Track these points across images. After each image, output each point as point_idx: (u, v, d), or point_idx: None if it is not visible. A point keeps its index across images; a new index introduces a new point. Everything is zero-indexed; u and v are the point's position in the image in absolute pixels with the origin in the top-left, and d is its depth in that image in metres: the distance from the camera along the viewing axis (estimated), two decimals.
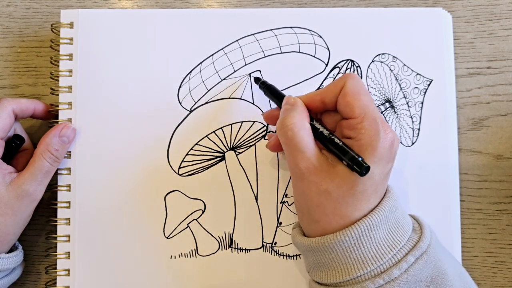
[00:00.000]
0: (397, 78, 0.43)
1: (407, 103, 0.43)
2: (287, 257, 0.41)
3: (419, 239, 0.32)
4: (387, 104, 0.43)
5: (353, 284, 0.31)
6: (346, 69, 0.43)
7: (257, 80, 0.41)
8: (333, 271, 0.32)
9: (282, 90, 0.42)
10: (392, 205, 0.32)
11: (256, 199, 0.42)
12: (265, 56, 0.42)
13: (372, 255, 0.31)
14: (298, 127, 0.33)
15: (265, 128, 0.42)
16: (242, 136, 0.42)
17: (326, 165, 0.32)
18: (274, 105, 0.42)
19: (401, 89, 0.43)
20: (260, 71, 0.42)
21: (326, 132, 0.33)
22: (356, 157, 0.30)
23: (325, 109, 0.35)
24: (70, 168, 0.41)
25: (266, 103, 0.42)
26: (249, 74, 0.42)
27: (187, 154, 0.42)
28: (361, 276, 0.31)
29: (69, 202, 0.41)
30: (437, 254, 0.32)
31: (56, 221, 0.41)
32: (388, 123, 0.33)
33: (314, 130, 0.34)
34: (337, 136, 0.33)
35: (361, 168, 0.30)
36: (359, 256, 0.31)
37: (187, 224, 0.41)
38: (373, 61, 0.43)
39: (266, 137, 0.42)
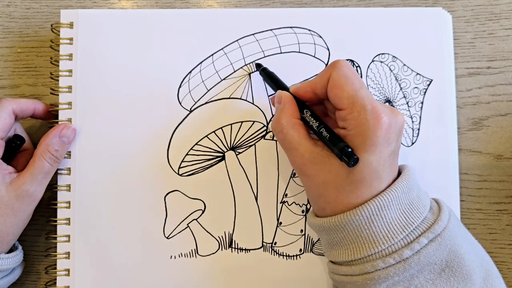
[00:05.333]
0: (397, 78, 0.43)
1: (407, 103, 0.43)
2: (287, 257, 0.41)
3: (435, 221, 0.31)
4: (387, 104, 0.43)
5: (364, 263, 0.31)
6: None
7: (258, 66, 0.41)
8: (345, 250, 0.32)
9: None
10: (405, 186, 0.32)
11: (256, 199, 0.42)
12: (265, 56, 0.42)
13: (383, 235, 0.31)
14: (287, 127, 0.34)
15: (265, 128, 0.42)
16: (242, 136, 0.42)
17: (321, 157, 0.32)
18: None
19: (401, 89, 0.43)
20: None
21: (315, 125, 0.33)
22: (344, 148, 0.30)
23: (320, 99, 0.36)
24: (70, 168, 0.41)
25: (266, 103, 0.42)
26: (249, 74, 0.42)
27: (187, 154, 0.42)
28: (373, 255, 0.31)
29: (69, 202, 0.41)
30: (455, 238, 0.32)
31: (56, 221, 0.41)
32: (383, 106, 0.32)
33: (306, 122, 0.34)
34: (328, 127, 0.33)
35: (349, 159, 0.30)
36: (370, 236, 0.31)
37: (187, 224, 0.41)
38: (373, 61, 0.43)
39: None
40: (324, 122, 0.33)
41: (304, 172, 0.34)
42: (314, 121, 0.34)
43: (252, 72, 0.42)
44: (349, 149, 0.30)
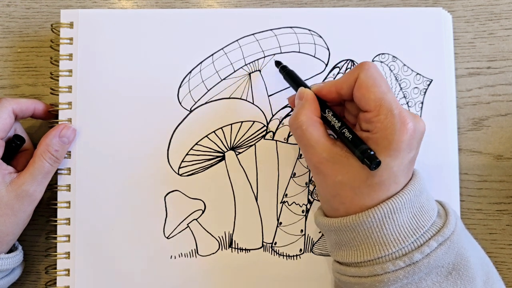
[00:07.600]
0: (397, 78, 0.43)
1: (407, 103, 0.43)
2: (287, 257, 0.41)
3: (444, 225, 0.31)
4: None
5: (374, 265, 0.31)
6: (346, 69, 0.43)
7: (277, 63, 0.41)
8: (355, 251, 0.32)
9: (282, 90, 0.42)
10: (417, 189, 0.32)
11: (256, 199, 0.42)
12: (265, 56, 0.42)
13: (394, 238, 0.31)
14: (307, 124, 0.33)
15: (265, 128, 0.42)
16: (242, 136, 0.42)
17: (339, 157, 0.32)
18: (274, 107, 0.42)
19: (401, 89, 0.43)
20: (260, 71, 0.42)
21: (337, 125, 0.33)
22: (367, 151, 0.30)
23: (342, 99, 0.35)
24: (70, 168, 0.41)
25: (266, 103, 0.42)
26: (249, 74, 0.42)
27: (187, 154, 0.42)
28: (383, 257, 0.31)
29: (69, 202, 0.41)
30: (461, 241, 0.32)
31: (56, 221, 0.41)
32: (408, 112, 0.32)
33: (327, 122, 0.34)
34: (350, 128, 0.32)
35: (372, 162, 0.29)
36: (381, 238, 0.31)
37: (187, 224, 0.41)
38: (373, 61, 0.43)
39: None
40: (345, 123, 0.33)
41: (320, 171, 0.33)
42: (336, 121, 0.33)
43: (252, 72, 0.42)
44: (372, 152, 0.30)
